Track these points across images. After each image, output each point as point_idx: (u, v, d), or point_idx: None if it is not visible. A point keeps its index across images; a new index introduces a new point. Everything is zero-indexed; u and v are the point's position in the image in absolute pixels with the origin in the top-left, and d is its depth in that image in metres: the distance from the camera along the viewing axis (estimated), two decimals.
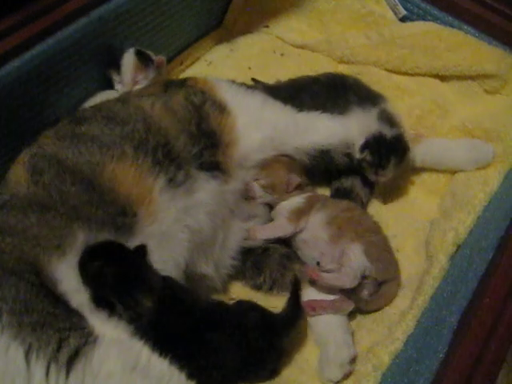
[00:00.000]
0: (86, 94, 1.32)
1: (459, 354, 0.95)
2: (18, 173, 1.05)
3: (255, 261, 1.26)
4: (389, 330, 1.14)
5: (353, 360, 1.12)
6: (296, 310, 1.13)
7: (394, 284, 1.22)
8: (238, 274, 1.26)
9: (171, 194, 1.09)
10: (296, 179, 1.28)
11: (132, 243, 1.02)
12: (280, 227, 1.26)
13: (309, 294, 1.19)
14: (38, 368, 0.78)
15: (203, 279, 1.19)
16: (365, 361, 1.10)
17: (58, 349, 0.80)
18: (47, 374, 0.78)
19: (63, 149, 1.07)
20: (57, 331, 0.82)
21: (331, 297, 1.18)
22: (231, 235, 1.25)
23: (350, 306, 1.18)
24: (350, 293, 1.17)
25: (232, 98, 1.29)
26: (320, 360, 1.15)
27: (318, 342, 1.17)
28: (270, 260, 1.25)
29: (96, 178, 1.03)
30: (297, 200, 1.28)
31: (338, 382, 1.11)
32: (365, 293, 1.17)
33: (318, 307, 1.17)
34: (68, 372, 0.79)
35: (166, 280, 1.03)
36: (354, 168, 1.36)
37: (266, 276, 1.24)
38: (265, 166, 1.29)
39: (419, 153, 1.38)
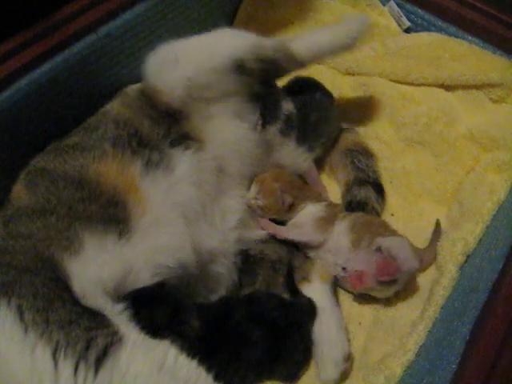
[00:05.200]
0: (92, 110, 1.32)
1: (472, 364, 0.94)
2: (18, 190, 1.12)
3: (250, 268, 1.28)
4: (400, 341, 1.14)
5: (347, 357, 1.13)
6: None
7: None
8: (235, 286, 1.28)
9: (151, 177, 1.12)
10: (288, 200, 1.28)
11: (133, 240, 1.05)
12: (307, 235, 1.27)
13: None
14: (66, 366, 0.80)
15: (213, 255, 1.20)
16: (377, 372, 1.10)
17: (87, 348, 0.82)
18: (75, 372, 0.80)
19: (50, 161, 1.13)
20: (84, 330, 0.84)
21: None
22: (229, 212, 1.26)
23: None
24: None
25: None
26: (315, 361, 1.16)
27: (313, 341, 1.18)
28: (263, 265, 1.27)
29: (83, 177, 1.08)
30: (318, 208, 1.29)
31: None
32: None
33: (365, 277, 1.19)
34: (96, 371, 0.81)
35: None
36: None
37: (260, 279, 1.26)
38: (261, 185, 1.30)
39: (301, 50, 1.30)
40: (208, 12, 1.66)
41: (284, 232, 1.29)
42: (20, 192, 1.10)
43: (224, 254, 1.23)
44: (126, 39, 1.42)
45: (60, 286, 0.91)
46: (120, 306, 0.96)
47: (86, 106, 1.34)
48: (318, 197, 1.35)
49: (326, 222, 1.27)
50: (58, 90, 1.32)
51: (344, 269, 1.23)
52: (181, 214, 1.13)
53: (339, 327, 1.17)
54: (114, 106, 1.26)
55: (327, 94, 1.51)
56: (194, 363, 0.89)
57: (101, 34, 1.35)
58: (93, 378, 0.81)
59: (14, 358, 0.81)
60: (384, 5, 1.72)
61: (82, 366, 0.81)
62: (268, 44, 1.27)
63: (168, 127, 1.21)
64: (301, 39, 1.32)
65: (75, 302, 0.90)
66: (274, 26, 1.82)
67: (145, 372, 0.84)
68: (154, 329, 0.94)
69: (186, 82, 1.22)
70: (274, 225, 1.31)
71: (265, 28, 1.81)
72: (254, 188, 1.31)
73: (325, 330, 1.16)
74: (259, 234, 1.31)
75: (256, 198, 1.29)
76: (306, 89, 1.47)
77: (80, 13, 1.34)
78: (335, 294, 1.26)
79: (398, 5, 1.68)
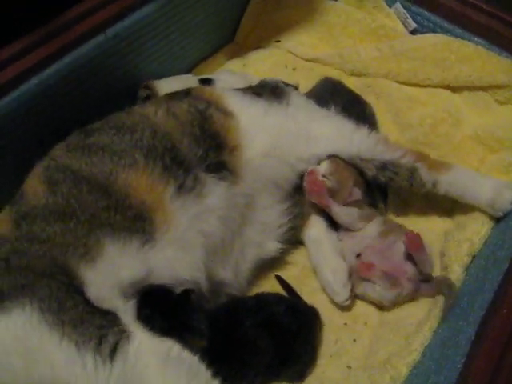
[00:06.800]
0: (101, 111, 1.34)
1: (478, 364, 0.95)
2: (34, 185, 1.07)
3: None
4: (406, 341, 1.15)
5: (349, 275, 1.26)
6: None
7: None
8: None
9: (182, 201, 1.10)
10: (358, 194, 1.31)
11: (155, 252, 1.04)
12: (350, 221, 1.33)
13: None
14: (88, 359, 0.83)
15: (222, 285, 1.20)
16: (382, 372, 1.10)
17: (100, 343, 0.85)
18: (95, 364, 0.83)
19: (76, 160, 1.09)
20: (96, 328, 0.86)
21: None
22: (248, 246, 1.26)
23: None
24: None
25: (236, 103, 1.30)
26: (325, 288, 1.29)
27: (316, 272, 1.32)
28: None
29: (111, 185, 1.06)
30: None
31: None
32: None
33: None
34: (111, 363, 0.84)
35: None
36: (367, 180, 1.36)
37: None
38: (337, 169, 1.30)
39: (446, 182, 1.30)
40: (215, 13, 1.67)
41: (336, 207, 1.31)
42: (37, 188, 1.06)
43: (234, 285, 1.23)
44: (134, 40, 1.43)
45: (72, 290, 0.91)
46: (131, 304, 0.97)
47: (94, 106, 1.35)
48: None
49: (370, 217, 1.33)
50: (67, 90, 1.33)
51: (358, 256, 1.26)
52: (201, 243, 1.12)
53: (336, 255, 1.30)
54: (157, 113, 1.21)
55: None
56: (195, 358, 0.91)
57: (109, 34, 1.36)
58: (110, 369, 0.83)
59: (48, 352, 0.83)
60: (390, 6, 1.72)
61: (98, 359, 0.83)
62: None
63: (207, 149, 1.19)
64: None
65: (87, 302, 0.91)
66: (280, 28, 1.83)
67: (152, 363, 0.86)
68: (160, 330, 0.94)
69: (269, 150, 1.26)
70: (329, 199, 1.32)
71: (271, 29, 1.83)
72: (327, 166, 1.31)
73: (325, 260, 1.30)
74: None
75: (327, 178, 1.30)
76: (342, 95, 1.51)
77: (88, 14, 1.35)
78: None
79: (404, 6, 1.69)
